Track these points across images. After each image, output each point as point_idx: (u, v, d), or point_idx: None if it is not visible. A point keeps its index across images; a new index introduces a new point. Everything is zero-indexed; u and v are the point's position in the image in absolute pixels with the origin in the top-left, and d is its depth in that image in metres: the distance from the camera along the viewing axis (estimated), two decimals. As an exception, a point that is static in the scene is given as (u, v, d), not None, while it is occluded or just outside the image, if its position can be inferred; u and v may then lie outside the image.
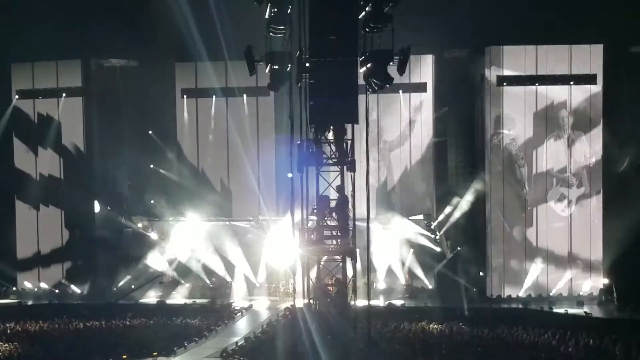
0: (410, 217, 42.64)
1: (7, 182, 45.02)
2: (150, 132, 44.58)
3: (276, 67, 18.40)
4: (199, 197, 44.48)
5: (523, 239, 41.44)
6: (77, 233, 44.54)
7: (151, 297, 42.60)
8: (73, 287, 44.00)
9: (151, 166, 44.92)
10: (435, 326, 34.86)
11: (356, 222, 18.26)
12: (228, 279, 43.71)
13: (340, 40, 17.42)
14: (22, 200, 45.12)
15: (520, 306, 39.30)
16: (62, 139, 44.52)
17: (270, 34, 18.32)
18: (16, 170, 45.14)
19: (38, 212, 45.10)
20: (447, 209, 42.72)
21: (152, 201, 44.67)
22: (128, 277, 43.98)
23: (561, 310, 37.83)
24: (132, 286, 43.28)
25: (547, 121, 41.21)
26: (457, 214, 42.28)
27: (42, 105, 44.69)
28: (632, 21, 36.65)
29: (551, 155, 41.43)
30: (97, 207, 44.37)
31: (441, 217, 43.10)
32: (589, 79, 40.87)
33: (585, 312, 37.42)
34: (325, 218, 18.20)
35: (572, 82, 40.93)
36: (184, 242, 44.28)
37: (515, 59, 41.07)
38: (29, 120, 45.00)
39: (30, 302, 42.49)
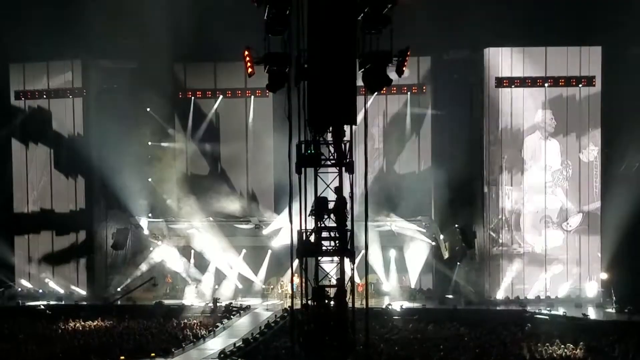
0: (409, 219, 42.66)
1: (5, 185, 45.09)
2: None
3: (275, 68, 18.36)
4: (194, 198, 44.58)
5: (522, 241, 41.35)
6: (76, 233, 44.50)
7: (148, 298, 42.53)
8: (71, 288, 43.97)
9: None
10: (434, 328, 34.92)
11: (354, 224, 18.24)
12: (225, 280, 43.83)
13: (339, 42, 17.40)
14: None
15: (518, 308, 39.23)
16: (61, 139, 44.44)
17: (269, 35, 18.31)
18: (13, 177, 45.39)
19: (37, 212, 45.15)
20: (447, 213, 42.87)
21: (145, 202, 44.68)
22: (126, 277, 44.02)
23: (560, 313, 37.84)
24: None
25: (545, 123, 41.21)
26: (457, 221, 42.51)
27: (40, 106, 44.63)
28: (630, 22, 36.66)
29: (550, 157, 41.42)
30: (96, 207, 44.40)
31: (440, 219, 43.20)
32: (588, 81, 40.91)
33: (584, 314, 37.42)
34: (324, 219, 18.16)
35: (571, 84, 40.99)
36: (180, 242, 44.42)
37: (515, 60, 41.05)
38: (27, 120, 44.95)
39: (28, 303, 42.41)
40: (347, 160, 17.95)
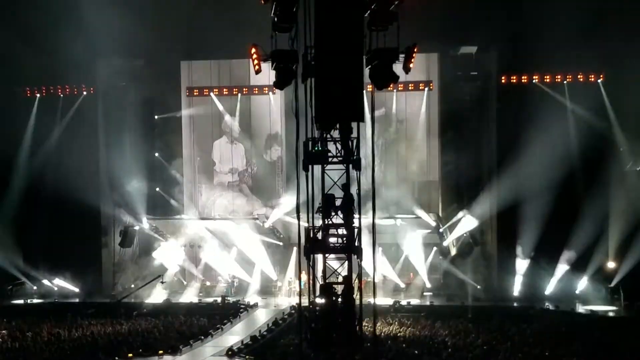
0: (417, 216, 42.60)
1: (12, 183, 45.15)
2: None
3: (282, 65, 18.40)
4: (202, 195, 44.64)
5: (529, 237, 41.25)
6: (83, 231, 44.52)
7: (156, 296, 42.53)
8: (79, 286, 44.02)
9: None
10: (441, 324, 34.88)
11: (362, 221, 18.27)
12: (235, 277, 43.84)
13: (346, 38, 17.41)
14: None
15: (526, 304, 39.16)
16: (68, 138, 44.47)
17: (276, 32, 18.34)
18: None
19: (44, 211, 45.15)
20: (455, 210, 42.83)
21: (152, 199, 44.75)
22: (133, 275, 44.11)
23: (567, 309, 37.74)
24: (132, 285, 43.36)
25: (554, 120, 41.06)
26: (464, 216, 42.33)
27: (49, 103, 44.73)
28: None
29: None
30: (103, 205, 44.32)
31: (448, 216, 43.13)
32: (596, 76, 40.79)
33: (592, 311, 37.34)
34: (331, 216, 18.20)
35: (577, 80, 40.86)
36: (189, 240, 44.51)
37: (519, 56, 40.91)
38: (35, 117, 45.03)
39: (35, 301, 42.52)
40: (354, 157, 17.97)
